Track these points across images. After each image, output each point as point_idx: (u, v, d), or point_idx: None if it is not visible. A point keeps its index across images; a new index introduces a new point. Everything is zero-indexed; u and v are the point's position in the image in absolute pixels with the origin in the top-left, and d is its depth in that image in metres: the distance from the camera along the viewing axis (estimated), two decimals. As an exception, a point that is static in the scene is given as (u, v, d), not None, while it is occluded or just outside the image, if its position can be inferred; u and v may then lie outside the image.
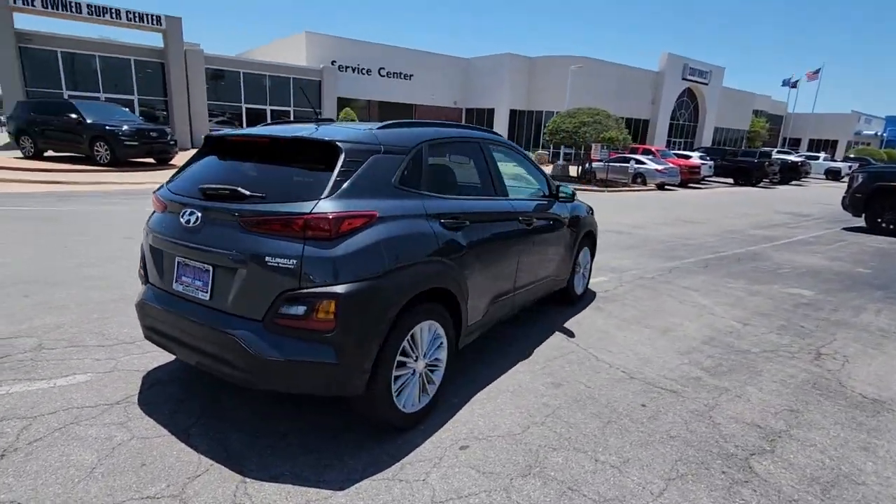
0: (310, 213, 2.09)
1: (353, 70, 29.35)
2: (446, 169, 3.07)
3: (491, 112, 32.70)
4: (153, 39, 22.78)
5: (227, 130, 2.86)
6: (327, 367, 2.10)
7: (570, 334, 3.93)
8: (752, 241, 8.71)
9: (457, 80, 33.42)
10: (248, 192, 2.21)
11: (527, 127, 32.99)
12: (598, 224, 5.05)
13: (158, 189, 2.67)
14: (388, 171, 2.43)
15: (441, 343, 2.68)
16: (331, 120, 3.19)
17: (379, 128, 2.58)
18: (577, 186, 17.67)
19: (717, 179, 24.62)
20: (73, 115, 13.85)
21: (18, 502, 1.93)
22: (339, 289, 2.07)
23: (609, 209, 12.17)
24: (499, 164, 3.74)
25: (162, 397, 2.74)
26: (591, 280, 5.31)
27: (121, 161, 13.93)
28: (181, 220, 2.34)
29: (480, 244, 2.90)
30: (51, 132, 14.38)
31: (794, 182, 26.77)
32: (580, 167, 20.17)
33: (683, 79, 34.58)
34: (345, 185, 2.21)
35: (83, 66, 21.40)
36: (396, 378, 2.40)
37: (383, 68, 30.40)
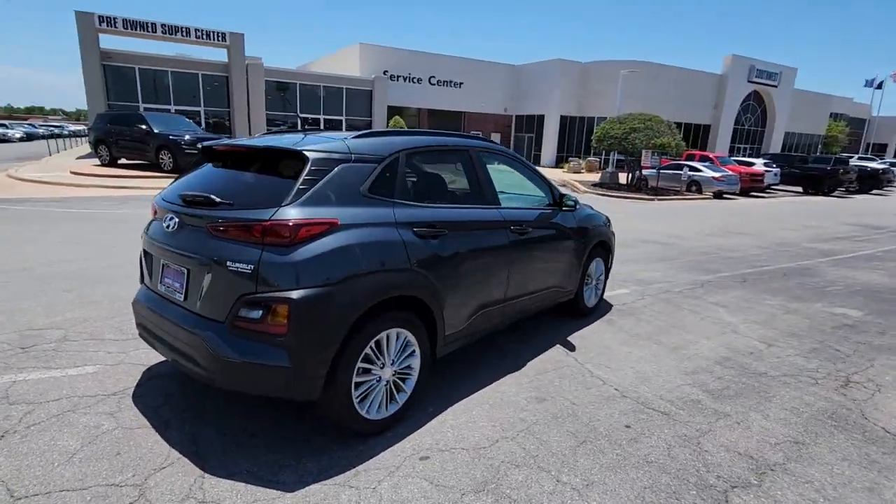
0: (269, 219, 2.17)
1: (404, 79, 29.99)
2: (428, 177, 3.07)
3: (541, 118, 32.31)
4: (219, 55, 24.30)
5: (217, 140, 3.02)
6: (281, 370, 2.16)
7: (571, 347, 3.80)
8: (806, 256, 8.04)
9: (507, 87, 33.31)
10: (218, 200, 2.32)
11: (577, 133, 32.28)
12: (615, 234, 4.87)
13: (156, 197, 2.86)
14: (356, 179, 2.47)
15: (413, 351, 2.68)
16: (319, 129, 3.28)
17: (354, 137, 2.63)
18: (626, 195, 17.08)
19: (785, 188, 22.98)
20: (143, 126, 15.08)
21: (2, 480, 2.12)
22: (293, 294, 2.12)
23: (653, 218, 11.67)
24: (505, 172, 3.71)
25: (155, 391, 2.92)
26: (609, 292, 5.12)
27: (181, 168, 14.95)
28: (163, 225, 2.50)
29: (462, 253, 2.88)
30: (124, 142, 15.72)
31: (874, 191, 24.48)
32: (630, 174, 19.48)
33: (749, 81, 32.61)
34: (308, 192, 2.28)
35: (157, 80, 23.25)
36: (359, 384, 2.43)
37: (433, 77, 30.84)
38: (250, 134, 24.94)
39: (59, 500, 2.02)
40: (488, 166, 3.38)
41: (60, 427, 2.51)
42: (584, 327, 4.25)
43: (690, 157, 21.07)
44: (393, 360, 2.57)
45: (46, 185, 12.47)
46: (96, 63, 21.08)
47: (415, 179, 2.92)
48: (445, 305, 2.79)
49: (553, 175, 21.80)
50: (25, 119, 71.40)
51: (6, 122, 38.33)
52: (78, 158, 19.43)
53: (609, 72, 29.26)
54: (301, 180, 2.28)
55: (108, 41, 22.69)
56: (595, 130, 19.74)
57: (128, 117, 16.13)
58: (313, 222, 2.22)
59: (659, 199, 16.75)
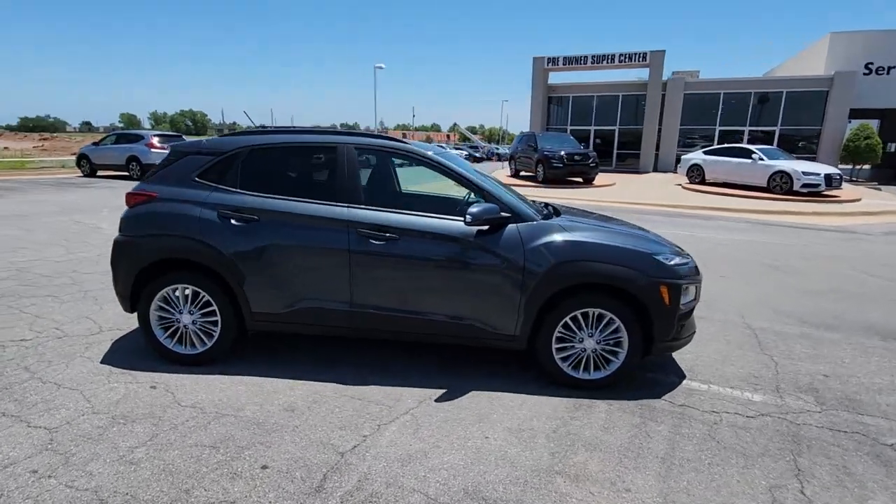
0: (129, 191, 3.33)
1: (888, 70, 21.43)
2: (275, 170, 3.25)
3: None
4: (641, 73, 25.12)
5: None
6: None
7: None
8: None
9: None
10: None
11: None
12: (684, 282, 2.94)
13: None
14: (190, 167, 3.23)
15: (214, 311, 3.17)
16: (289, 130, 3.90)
17: (223, 135, 3.35)
18: None
19: None
20: (531, 145, 18.13)
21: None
22: (116, 237, 3.22)
23: None
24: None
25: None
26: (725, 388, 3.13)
27: (549, 179, 17.08)
28: None
29: (275, 240, 3.06)
30: (522, 158, 19.38)
31: None
32: None
33: None
34: (157, 173, 3.28)
35: (584, 105, 26.53)
36: (162, 318, 3.23)
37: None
38: (658, 149, 24.63)
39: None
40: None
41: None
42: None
43: None
44: (191, 311, 3.20)
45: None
46: (542, 96, 26.27)
47: (259, 171, 3.24)
48: (246, 282, 3.09)
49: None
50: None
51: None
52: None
53: None
54: (160, 164, 3.31)
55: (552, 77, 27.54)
56: None
57: (527, 137, 19.68)
58: (139, 193, 3.22)
59: None
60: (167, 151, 3.43)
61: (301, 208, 3.11)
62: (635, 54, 23.82)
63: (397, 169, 4.09)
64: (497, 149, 47.91)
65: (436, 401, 2.92)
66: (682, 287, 3.00)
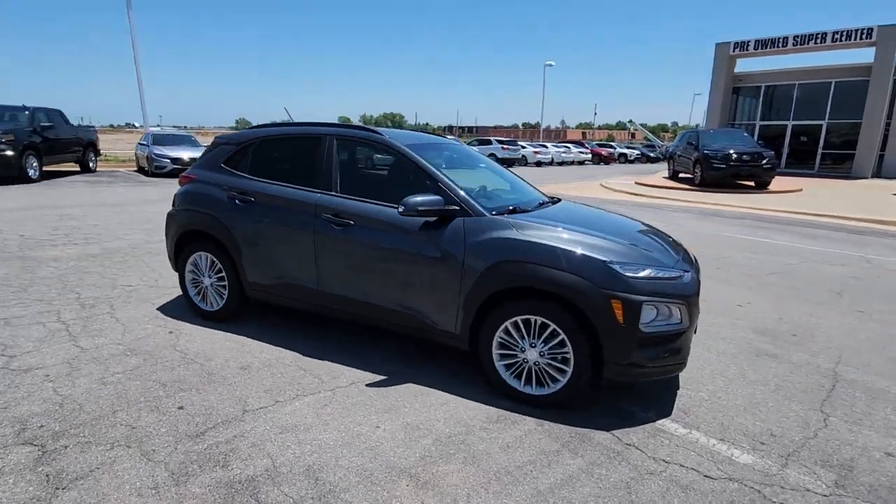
0: (182, 174, 4.08)
1: None
2: (276, 158, 3.60)
3: None
4: (862, 56, 19.92)
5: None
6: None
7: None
8: None
9: None
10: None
11: None
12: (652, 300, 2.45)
13: None
14: (221, 155, 3.82)
15: (223, 276, 3.74)
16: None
17: (248, 128, 3.90)
18: None
19: None
20: (692, 143, 16.00)
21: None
22: (169, 209, 4.01)
23: None
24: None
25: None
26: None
27: (707, 182, 14.86)
28: None
29: (263, 220, 3.48)
30: (681, 158, 17.24)
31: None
32: None
33: None
34: (201, 159, 3.97)
35: (780, 95, 22.24)
36: (193, 279, 3.92)
37: None
38: (883, 149, 19.40)
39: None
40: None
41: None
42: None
43: None
44: (209, 275, 3.81)
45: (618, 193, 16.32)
46: (726, 86, 22.84)
47: (264, 159, 3.65)
48: (243, 254, 3.57)
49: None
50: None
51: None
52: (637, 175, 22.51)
53: None
54: (204, 152, 4.01)
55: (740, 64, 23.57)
56: None
57: (689, 135, 17.38)
58: (187, 176, 3.94)
59: None
60: None
61: (282, 192, 3.46)
62: (857, 31, 19.03)
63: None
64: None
65: (366, 385, 2.99)
66: (642, 304, 2.50)
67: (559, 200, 3.72)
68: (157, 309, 4.10)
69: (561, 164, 33.70)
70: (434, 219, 2.93)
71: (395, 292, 3.08)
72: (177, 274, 4.05)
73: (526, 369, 2.79)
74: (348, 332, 3.75)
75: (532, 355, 2.75)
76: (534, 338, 2.73)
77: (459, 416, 2.68)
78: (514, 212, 3.06)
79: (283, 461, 2.25)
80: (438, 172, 3.07)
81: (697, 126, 18.67)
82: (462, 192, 2.98)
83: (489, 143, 29.01)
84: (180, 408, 2.66)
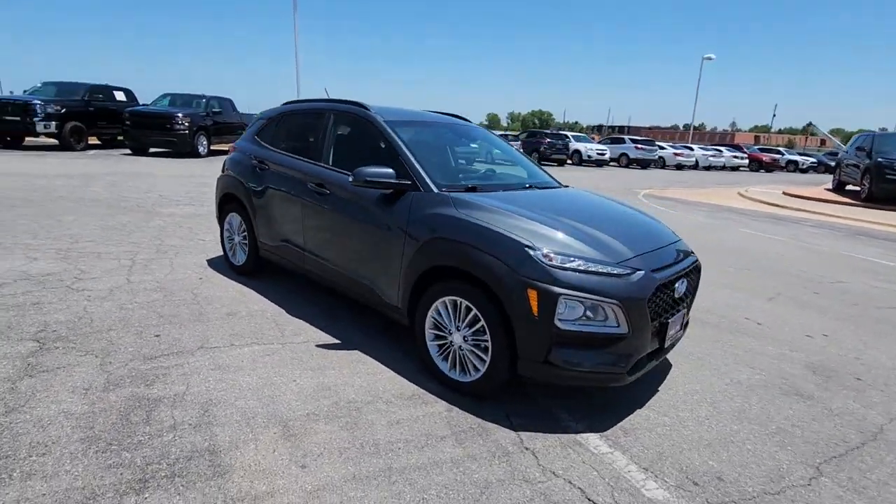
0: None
1: None
2: (295, 131, 3.88)
3: None
4: None
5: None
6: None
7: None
8: None
9: None
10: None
11: None
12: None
13: None
14: (256, 128, 4.29)
15: (245, 235, 4.21)
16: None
17: (283, 104, 4.30)
18: None
19: None
20: (864, 149, 13.10)
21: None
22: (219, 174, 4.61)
23: None
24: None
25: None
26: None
27: (876, 196, 12.06)
28: None
29: (271, 185, 3.84)
30: (849, 167, 14.23)
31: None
32: None
33: None
34: (245, 133, 4.50)
35: None
36: (228, 236, 4.47)
37: None
38: None
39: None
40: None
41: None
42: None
43: None
44: (238, 233, 4.31)
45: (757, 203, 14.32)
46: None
47: (283, 131, 3.97)
48: (257, 216, 3.98)
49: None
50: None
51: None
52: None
53: None
54: (248, 126, 4.53)
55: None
56: None
57: (862, 139, 14.19)
58: (232, 147, 4.49)
59: None
60: None
61: (286, 160, 3.77)
62: None
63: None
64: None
65: (316, 345, 3.14)
66: (559, 296, 2.24)
67: (565, 186, 3.47)
68: (207, 260, 4.77)
69: (708, 168, 30.15)
70: (389, 191, 2.96)
71: (354, 262, 3.19)
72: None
73: (452, 353, 2.69)
74: (344, 301, 3.94)
75: (457, 339, 2.63)
76: (460, 321, 2.61)
77: (374, 387, 2.70)
78: (471, 190, 2.94)
79: (195, 391, 2.51)
80: (403, 146, 3.07)
81: (884, 130, 15.13)
82: (418, 167, 2.95)
83: (622, 141, 27.18)
84: (157, 336, 3.10)
